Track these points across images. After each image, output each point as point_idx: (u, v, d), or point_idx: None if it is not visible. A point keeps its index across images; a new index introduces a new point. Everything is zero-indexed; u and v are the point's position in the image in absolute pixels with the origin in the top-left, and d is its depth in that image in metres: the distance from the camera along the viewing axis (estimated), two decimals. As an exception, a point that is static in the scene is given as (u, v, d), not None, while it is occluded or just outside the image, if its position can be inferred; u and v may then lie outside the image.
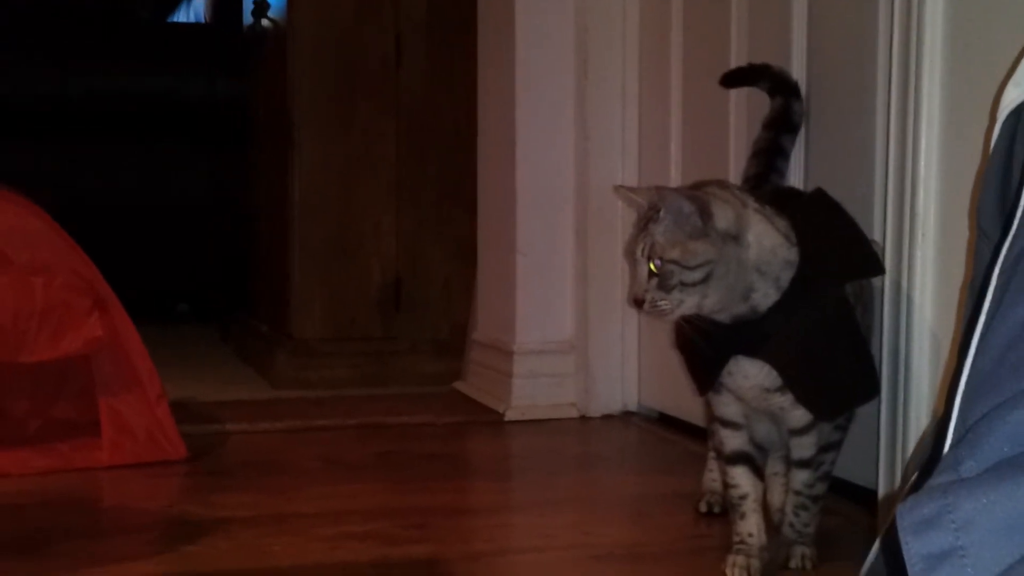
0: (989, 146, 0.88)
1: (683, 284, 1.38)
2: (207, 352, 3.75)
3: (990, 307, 0.61)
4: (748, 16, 2.13)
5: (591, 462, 2.34)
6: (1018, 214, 0.64)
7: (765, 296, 1.41)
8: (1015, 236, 0.62)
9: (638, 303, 1.40)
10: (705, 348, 1.48)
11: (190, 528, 1.72)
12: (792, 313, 1.42)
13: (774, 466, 1.68)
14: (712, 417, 1.60)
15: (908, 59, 1.53)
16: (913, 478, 0.94)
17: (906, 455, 1.55)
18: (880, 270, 1.56)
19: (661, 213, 1.39)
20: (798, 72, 1.96)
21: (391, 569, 1.52)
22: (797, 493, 1.54)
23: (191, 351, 3.72)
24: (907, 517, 0.51)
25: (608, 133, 2.60)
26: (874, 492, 1.64)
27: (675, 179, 2.44)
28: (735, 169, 2.08)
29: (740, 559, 1.50)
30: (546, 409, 2.60)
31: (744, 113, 2.12)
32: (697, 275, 1.38)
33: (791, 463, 1.55)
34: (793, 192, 1.79)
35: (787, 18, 1.98)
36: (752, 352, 1.45)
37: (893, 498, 1.55)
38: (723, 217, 1.39)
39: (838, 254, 1.51)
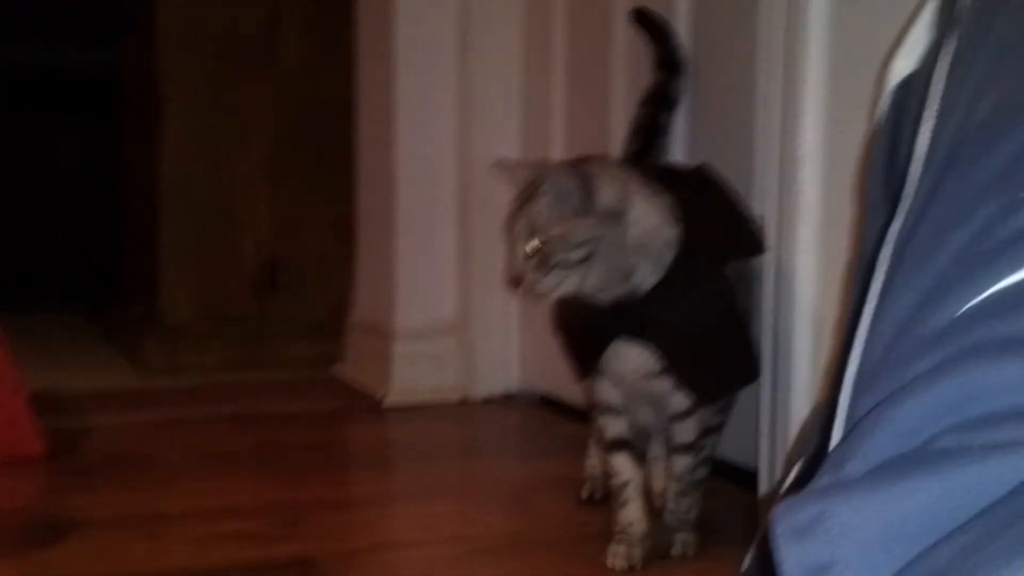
0: (876, 119, 0.85)
1: (564, 263, 1.33)
2: (72, 338, 3.59)
3: (880, 291, 0.59)
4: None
5: (473, 448, 2.29)
6: (906, 192, 0.61)
7: (646, 277, 1.38)
8: (905, 215, 0.59)
9: (516, 283, 1.35)
10: (585, 331, 1.44)
11: (46, 531, 1.62)
12: (673, 295, 1.38)
13: (655, 450, 1.66)
14: (592, 403, 1.56)
15: (791, 36, 1.50)
16: (795, 472, 0.91)
17: (787, 437, 1.53)
18: (761, 250, 1.54)
19: (542, 189, 1.34)
20: (684, 42, 1.93)
21: (260, 571, 1.45)
22: (678, 479, 1.52)
23: (55, 337, 3.56)
24: (782, 523, 0.48)
25: (490, 108, 2.54)
26: (755, 473, 1.62)
27: (558, 154, 2.40)
28: (618, 144, 2.04)
29: (622, 548, 1.47)
30: (427, 393, 2.54)
31: (627, 88, 2.08)
32: (579, 254, 1.33)
33: (672, 448, 1.53)
34: (675, 169, 1.76)
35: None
36: (633, 335, 1.42)
37: (773, 495, 1.53)
38: (606, 194, 1.35)
39: (719, 234, 1.49)
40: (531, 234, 1.34)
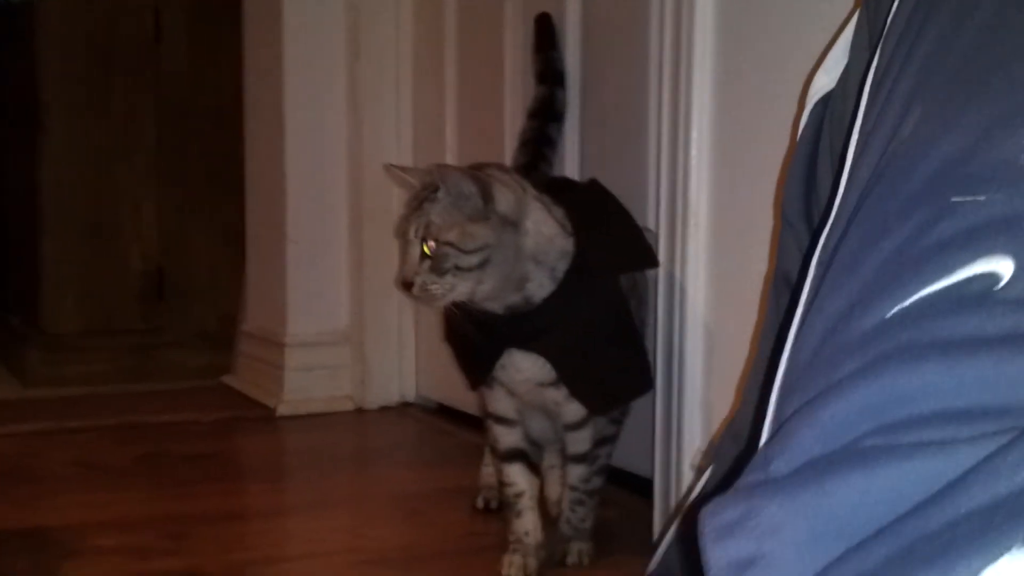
0: (796, 134, 0.86)
1: (458, 268, 1.32)
2: (-49, 348, 3.46)
3: (807, 298, 0.59)
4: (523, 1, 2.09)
5: (367, 458, 2.26)
6: (836, 203, 0.62)
7: (540, 286, 1.38)
8: (832, 226, 0.60)
9: (407, 286, 1.34)
10: (478, 340, 1.43)
11: (-82, 549, 1.56)
12: (567, 305, 1.38)
13: (551, 459, 1.66)
14: (486, 412, 1.55)
15: (679, 50, 1.52)
16: (704, 479, 0.92)
17: (681, 445, 1.54)
18: (654, 263, 1.55)
19: (439, 193, 1.33)
20: (572, 61, 1.94)
21: (146, 587, 1.41)
22: (573, 488, 1.52)
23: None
24: (709, 522, 0.48)
25: (381, 116, 2.52)
26: (651, 481, 1.63)
27: (451, 148, 2.39)
28: (511, 154, 2.04)
29: (516, 558, 1.46)
30: (321, 402, 2.51)
31: (520, 97, 2.08)
32: (474, 259, 1.32)
33: (567, 458, 1.53)
34: (567, 182, 1.76)
35: (561, 6, 1.95)
36: (526, 345, 1.41)
37: (672, 502, 1.54)
38: (504, 201, 1.34)
39: (613, 246, 1.49)
40: (426, 236, 1.32)
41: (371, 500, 1.87)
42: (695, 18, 1.50)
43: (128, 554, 1.53)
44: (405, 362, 2.56)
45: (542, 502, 1.56)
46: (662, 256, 1.57)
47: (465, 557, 1.55)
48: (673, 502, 1.56)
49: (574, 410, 1.47)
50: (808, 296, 0.58)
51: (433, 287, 1.33)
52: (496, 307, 1.38)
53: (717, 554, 0.47)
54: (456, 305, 1.36)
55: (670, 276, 1.56)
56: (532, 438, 1.54)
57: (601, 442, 1.51)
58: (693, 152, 1.52)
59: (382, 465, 2.17)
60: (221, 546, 1.58)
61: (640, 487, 1.75)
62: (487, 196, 1.33)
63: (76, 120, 2.86)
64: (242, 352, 2.77)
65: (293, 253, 2.54)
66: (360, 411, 2.52)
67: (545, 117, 1.81)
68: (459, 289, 1.33)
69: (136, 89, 2.90)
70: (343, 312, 2.57)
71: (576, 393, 1.44)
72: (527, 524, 1.49)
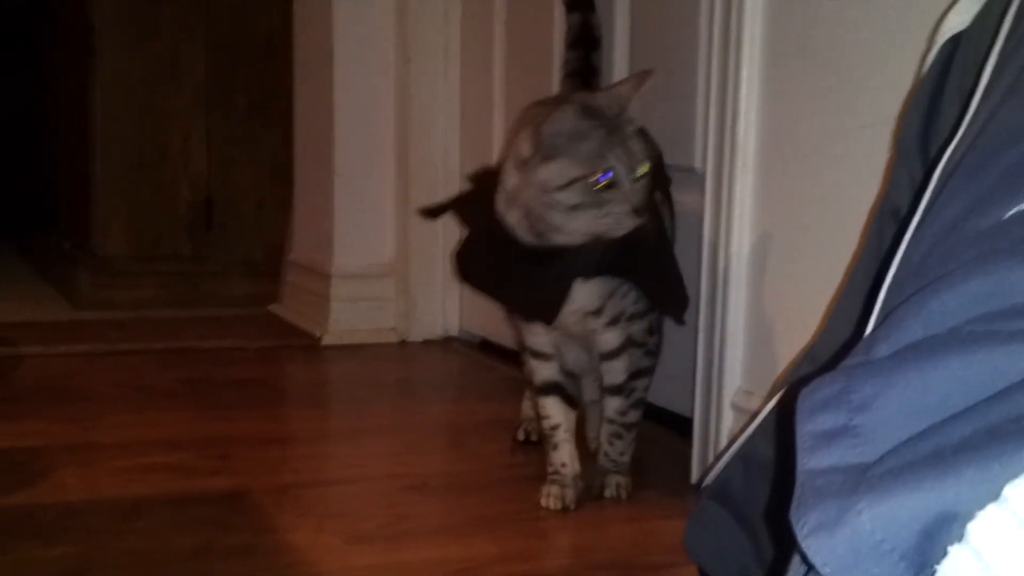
0: (921, 70, 0.87)
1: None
2: (4, 270, 3.52)
3: (925, 205, 0.60)
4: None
5: (409, 389, 2.29)
6: (965, 121, 0.62)
7: None
8: (960, 140, 0.60)
9: (640, 212, 1.33)
10: (548, 273, 1.42)
11: (-28, 460, 1.60)
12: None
13: (591, 394, 1.67)
14: (523, 347, 1.56)
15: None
16: (825, 360, 0.93)
17: (722, 384, 1.55)
18: (670, 180, 1.56)
19: (628, 120, 1.34)
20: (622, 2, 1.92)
21: (191, 503, 1.44)
22: (611, 421, 1.53)
23: (-13, 269, 3.50)
24: (807, 399, 0.50)
25: (429, 55, 2.51)
26: (688, 419, 1.64)
27: (497, 99, 2.39)
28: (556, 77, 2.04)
29: (555, 488, 1.48)
30: (365, 334, 2.54)
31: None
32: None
33: (604, 390, 1.54)
34: None
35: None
36: (595, 272, 1.41)
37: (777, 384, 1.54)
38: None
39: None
40: (644, 160, 1.33)
41: (413, 429, 1.89)
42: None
43: (175, 472, 1.56)
44: (449, 296, 2.58)
45: (581, 435, 1.57)
46: (709, 193, 1.57)
47: (505, 486, 1.57)
48: (712, 441, 1.57)
49: (610, 339, 1.48)
50: (927, 203, 0.59)
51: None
52: (585, 238, 1.36)
53: (808, 427, 0.48)
54: (539, 245, 1.37)
55: (716, 215, 1.55)
56: (568, 370, 1.56)
57: (637, 374, 1.52)
58: (743, 91, 1.50)
59: (424, 397, 2.20)
60: (265, 468, 1.61)
61: (679, 426, 1.76)
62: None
63: (127, 46, 2.87)
64: (288, 282, 2.80)
65: (340, 186, 2.55)
66: (404, 343, 2.54)
67: (587, 45, 1.79)
68: None
69: (186, 17, 2.91)
70: (388, 245, 2.59)
71: (658, 303, 1.47)
72: (564, 456, 1.50)
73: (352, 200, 2.56)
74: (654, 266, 1.45)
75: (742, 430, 1.00)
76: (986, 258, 0.47)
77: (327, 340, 2.50)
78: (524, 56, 2.30)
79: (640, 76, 1.37)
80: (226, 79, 2.95)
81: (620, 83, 1.40)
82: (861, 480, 0.43)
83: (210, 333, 2.52)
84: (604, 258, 1.39)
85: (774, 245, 1.48)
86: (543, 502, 1.47)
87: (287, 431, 1.91)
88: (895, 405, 0.45)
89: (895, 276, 0.57)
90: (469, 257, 1.55)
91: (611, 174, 1.31)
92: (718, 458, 1.05)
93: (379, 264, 2.58)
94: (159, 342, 2.42)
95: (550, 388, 1.52)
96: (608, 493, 1.52)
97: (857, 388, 0.47)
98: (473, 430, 1.88)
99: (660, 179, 1.53)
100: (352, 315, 2.55)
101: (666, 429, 1.82)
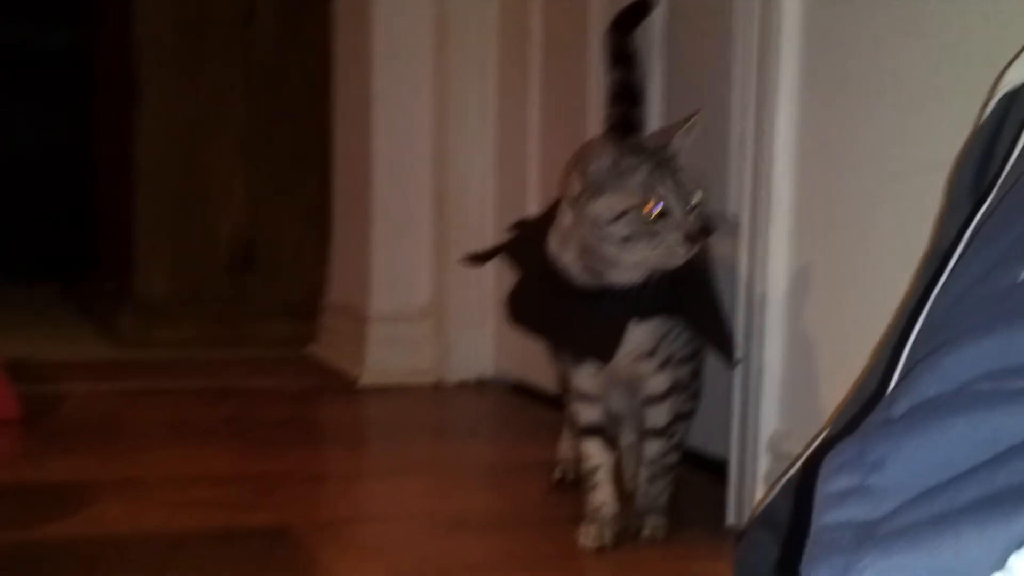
0: (979, 120, 0.89)
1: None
2: (47, 310, 3.59)
3: (954, 264, 0.62)
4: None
5: (445, 429, 2.31)
6: (998, 183, 0.64)
7: None
8: (990, 203, 0.62)
9: (694, 239, 1.36)
10: (604, 313, 1.44)
11: (22, 493, 1.63)
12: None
13: (629, 436, 1.68)
14: (567, 388, 1.58)
15: (766, 33, 1.53)
16: (841, 424, 0.95)
17: (758, 427, 1.56)
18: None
19: (674, 152, 1.39)
20: (658, 39, 1.96)
21: (234, 538, 1.47)
22: (650, 463, 1.54)
23: (30, 309, 3.56)
24: (827, 466, 0.52)
25: (467, 99, 2.56)
26: (724, 462, 1.65)
27: (533, 145, 2.43)
28: (592, 132, 2.07)
29: (593, 528, 1.49)
30: (401, 375, 2.57)
31: (602, 78, 2.10)
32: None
33: (644, 433, 1.55)
34: None
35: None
36: (650, 313, 1.43)
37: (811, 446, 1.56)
38: None
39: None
40: (695, 188, 1.36)
41: (450, 469, 1.91)
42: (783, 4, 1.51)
43: (218, 507, 1.59)
44: (484, 338, 2.61)
45: (619, 477, 1.58)
46: (745, 239, 1.59)
47: (543, 526, 1.58)
48: (748, 484, 1.58)
49: (659, 382, 1.50)
50: (956, 259, 0.61)
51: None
52: (639, 275, 1.39)
53: (826, 488, 0.50)
54: (600, 286, 1.40)
55: (752, 258, 1.57)
56: (611, 413, 1.57)
57: (679, 418, 1.54)
58: (778, 137, 1.53)
59: (460, 437, 2.22)
60: (306, 504, 1.64)
61: (715, 469, 1.77)
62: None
63: (170, 95, 2.95)
64: (326, 324, 2.83)
65: (378, 229, 2.60)
66: (439, 385, 2.57)
67: (626, 102, 1.82)
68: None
69: (227, 69, 2.98)
70: (425, 288, 2.62)
71: (715, 343, 1.50)
72: (603, 496, 1.52)
73: (389, 243, 2.60)
74: (706, 305, 1.47)
75: (795, 460, 1.02)
76: (997, 319, 0.50)
77: (364, 381, 2.53)
78: (559, 104, 2.34)
79: (687, 116, 1.41)
80: (265, 127, 3.02)
81: (667, 126, 1.44)
82: (868, 536, 0.45)
83: (249, 373, 2.56)
84: (659, 298, 1.41)
85: (810, 289, 1.50)
86: (581, 540, 1.48)
87: (327, 469, 1.93)
88: (905, 464, 0.47)
89: (921, 330, 0.60)
90: (521, 299, 1.58)
91: (662, 204, 1.34)
92: (771, 488, 1.07)
93: (415, 306, 2.62)
94: (200, 381, 2.46)
95: (594, 430, 1.54)
96: (645, 534, 1.53)
97: (871, 449, 0.49)
98: (510, 470, 1.90)
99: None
100: (388, 357, 2.58)
101: (701, 472, 1.83)
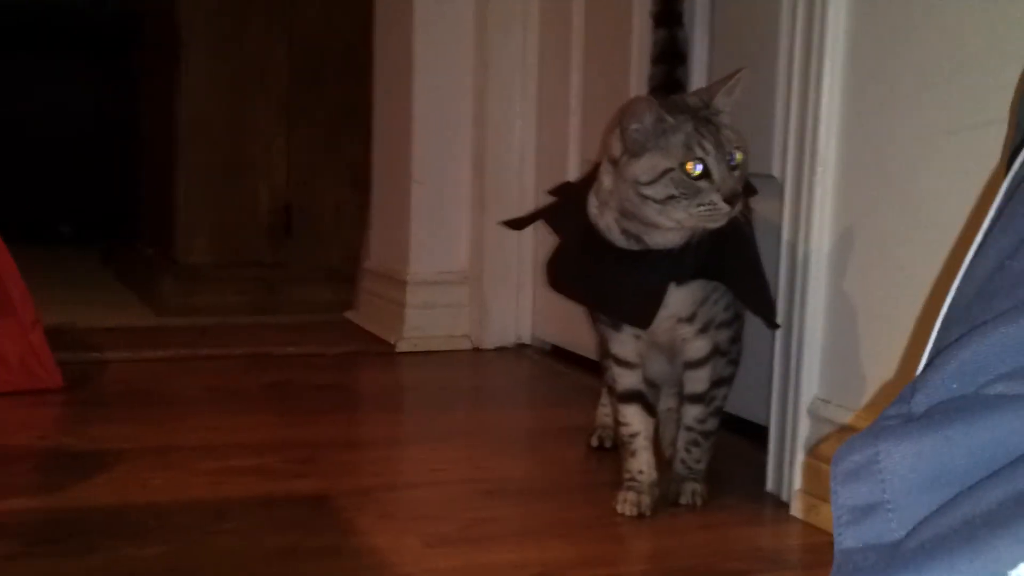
0: None
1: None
2: (88, 276, 3.62)
3: (982, 236, 0.59)
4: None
5: (484, 395, 2.32)
6: None
7: None
8: (1019, 167, 0.60)
9: (735, 198, 1.33)
10: (643, 278, 1.44)
11: (65, 461, 1.65)
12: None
13: (667, 402, 1.68)
14: (606, 353, 1.58)
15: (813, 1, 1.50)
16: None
17: (799, 393, 1.55)
18: (755, 190, 1.56)
19: (724, 108, 1.37)
20: (706, 6, 1.93)
21: (274, 505, 1.48)
22: (689, 428, 1.54)
23: (71, 275, 3.59)
24: (839, 465, 0.51)
25: (507, 61, 2.54)
26: (764, 428, 1.64)
27: (574, 108, 2.41)
28: (635, 92, 2.05)
29: (631, 495, 1.49)
30: (439, 340, 2.57)
31: (647, 26, 2.07)
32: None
33: (684, 398, 1.55)
34: None
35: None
36: (689, 276, 1.42)
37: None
38: None
39: None
40: (739, 147, 1.35)
41: (488, 434, 1.91)
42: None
43: (260, 475, 1.60)
44: (522, 304, 2.60)
45: (656, 443, 1.58)
46: (788, 200, 1.57)
47: (581, 491, 1.59)
48: (788, 449, 1.57)
49: (700, 346, 1.49)
50: (987, 226, 0.59)
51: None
52: (679, 238, 1.38)
53: (842, 498, 0.49)
54: (637, 251, 1.39)
55: (795, 222, 1.56)
56: (650, 379, 1.57)
57: (718, 383, 1.53)
58: (824, 98, 1.50)
59: (498, 402, 2.23)
60: (346, 471, 1.65)
61: (755, 434, 1.76)
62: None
63: (213, 56, 2.94)
64: (364, 289, 2.84)
65: (417, 193, 2.59)
66: (477, 350, 2.57)
67: (671, 60, 1.80)
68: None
69: (270, 28, 2.97)
70: (463, 253, 2.62)
71: (754, 306, 1.49)
72: (641, 463, 1.51)
73: (428, 208, 2.60)
74: (747, 269, 1.46)
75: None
76: (1020, 309, 0.48)
77: (402, 347, 2.53)
78: (601, 65, 2.32)
79: (730, 75, 1.39)
80: (308, 88, 3.01)
81: (710, 85, 1.42)
82: (895, 556, 0.44)
83: (289, 339, 2.57)
84: (699, 261, 1.40)
85: (854, 253, 1.48)
86: (619, 508, 1.48)
87: (366, 435, 1.94)
88: (923, 474, 0.46)
89: (949, 310, 0.58)
90: (562, 264, 1.57)
91: (701, 165, 1.32)
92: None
93: (453, 271, 2.62)
94: (240, 347, 2.48)
95: (632, 396, 1.53)
96: (684, 500, 1.53)
97: (887, 455, 0.48)
98: (547, 436, 1.90)
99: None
100: (427, 322, 2.58)
101: (741, 437, 1.82)
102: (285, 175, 3.02)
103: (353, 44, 2.95)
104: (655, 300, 1.44)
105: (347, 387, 2.30)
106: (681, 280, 1.43)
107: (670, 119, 1.34)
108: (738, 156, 1.34)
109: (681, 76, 1.79)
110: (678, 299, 1.45)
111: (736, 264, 1.44)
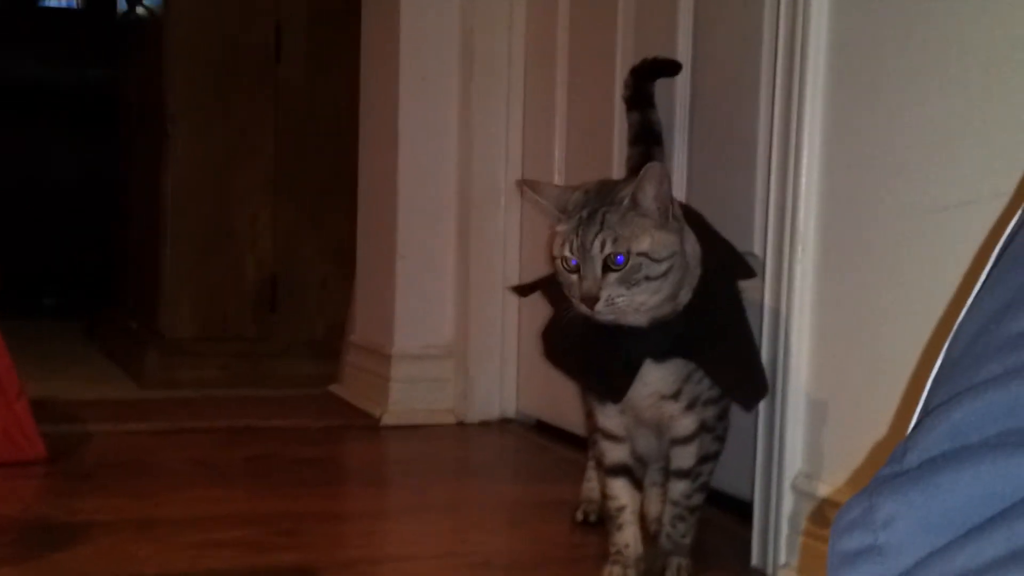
0: None
1: (647, 278, 1.32)
2: (72, 349, 3.61)
3: (973, 297, 0.60)
4: (635, 20, 2.13)
5: (468, 469, 2.31)
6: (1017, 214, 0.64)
7: (687, 294, 1.39)
8: (1013, 227, 0.61)
9: (592, 301, 1.32)
10: (610, 355, 1.44)
11: (49, 532, 1.64)
12: (704, 309, 1.40)
13: (652, 477, 1.68)
14: (594, 428, 1.59)
15: (791, 79, 1.54)
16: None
17: (783, 466, 1.56)
18: (753, 274, 1.58)
19: (625, 203, 1.32)
20: (683, 82, 1.97)
21: (261, 577, 1.47)
22: (675, 504, 1.54)
23: (55, 347, 3.58)
24: (838, 523, 0.52)
25: (492, 136, 2.58)
26: (749, 503, 1.65)
27: (560, 184, 2.44)
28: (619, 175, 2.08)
29: (617, 569, 1.49)
30: (423, 414, 2.57)
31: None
32: (663, 267, 1.32)
33: (670, 473, 1.55)
34: None
35: (673, 27, 1.98)
36: (664, 355, 1.43)
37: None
38: (676, 210, 1.36)
39: (725, 256, 1.53)
40: (616, 249, 1.31)
41: (472, 508, 1.91)
42: (808, 43, 1.51)
43: (244, 547, 1.59)
44: (506, 378, 2.61)
45: (642, 518, 1.58)
46: (769, 278, 1.59)
47: (566, 566, 1.59)
48: (773, 524, 1.58)
49: (686, 424, 1.50)
50: (975, 295, 0.60)
51: (620, 300, 1.32)
52: (643, 319, 1.38)
53: (837, 548, 0.50)
54: (600, 322, 1.36)
55: (776, 300, 1.58)
56: (637, 454, 1.58)
57: (704, 459, 1.54)
58: (803, 177, 1.53)
59: (483, 476, 2.22)
60: (330, 543, 1.64)
61: (740, 509, 1.76)
62: (666, 203, 1.33)
63: (199, 131, 2.98)
64: (349, 362, 2.85)
65: (402, 268, 2.61)
66: (461, 424, 2.57)
67: (647, 142, 1.84)
68: (639, 299, 1.33)
69: (256, 103, 3.02)
70: (448, 327, 2.64)
71: (727, 388, 1.48)
72: (627, 537, 1.52)
73: (413, 282, 2.62)
74: (725, 351, 1.47)
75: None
76: (1011, 372, 0.49)
77: (386, 420, 2.54)
78: (585, 136, 2.36)
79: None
80: (293, 161, 3.05)
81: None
82: None
83: (273, 412, 2.57)
84: (672, 339, 1.41)
85: (837, 328, 1.51)
86: None
87: (350, 508, 1.94)
88: (916, 521, 0.47)
89: (939, 370, 0.59)
90: (551, 336, 1.59)
91: (575, 260, 1.34)
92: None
93: (438, 345, 2.63)
94: (224, 420, 2.47)
95: (619, 470, 1.54)
96: (670, 574, 1.53)
97: (880, 506, 0.49)
98: (532, 510, 1.90)
99: (739, 268, 1.57)
100: (411, 396, 2.59)
101: (726, 512, 1.82)
102: (271, 248, 3.04)
103: (339, 116, 3.00)
104: (628, 375, 1.44)
105: (331, 460, 2.29)
106: (656, 358, 1.44)
107: (569, 211, 1.36)
108: (592, 258, 1.31)
109: (657, 155, 1.82)
110: (658, 376, 1.45)
111: (710, 343, 1.44)
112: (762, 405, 1.60)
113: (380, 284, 2.69)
